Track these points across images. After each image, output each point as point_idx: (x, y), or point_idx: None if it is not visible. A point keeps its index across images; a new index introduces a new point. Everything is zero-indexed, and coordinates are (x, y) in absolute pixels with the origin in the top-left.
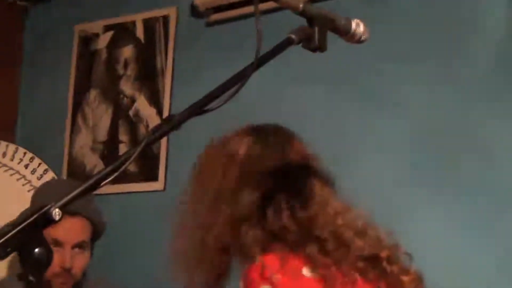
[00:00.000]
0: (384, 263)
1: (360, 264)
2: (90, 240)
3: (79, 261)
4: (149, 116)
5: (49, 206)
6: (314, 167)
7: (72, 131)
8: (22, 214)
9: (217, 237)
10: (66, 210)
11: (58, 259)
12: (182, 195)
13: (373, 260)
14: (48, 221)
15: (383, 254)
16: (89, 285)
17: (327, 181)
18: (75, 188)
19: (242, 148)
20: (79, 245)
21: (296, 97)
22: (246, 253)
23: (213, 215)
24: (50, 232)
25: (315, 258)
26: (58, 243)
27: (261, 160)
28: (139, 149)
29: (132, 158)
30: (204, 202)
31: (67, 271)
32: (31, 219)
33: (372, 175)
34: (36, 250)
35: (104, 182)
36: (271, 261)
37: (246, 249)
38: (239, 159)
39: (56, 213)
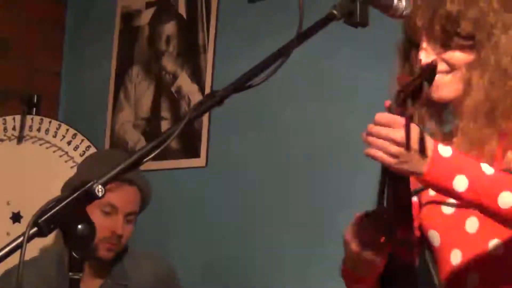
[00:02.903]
0: None
1: None
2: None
3: (127, 230)
4: (191, 92)
5: (92, 182)
6: None
7: (114, 108)
8: (66, 185)
9: None
10: (126, 178)
11: (110, 224)
12: None
13: None
14: (91, 197)
15: None
16: (131, 256)
17: None
18: (120, 162)
19: None
20: (131, 215)
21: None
22: None
23: None
24: (109, 196)
25: None
26: (113, 208)
27: None
28: (181, 125)
29: (174, 135)
30: None
31: (117, 237)
32: (74, 195)
33: None
34: (79, 226)
35: (146, 159)
36: None
37: None
38: None
39: (99, 189)
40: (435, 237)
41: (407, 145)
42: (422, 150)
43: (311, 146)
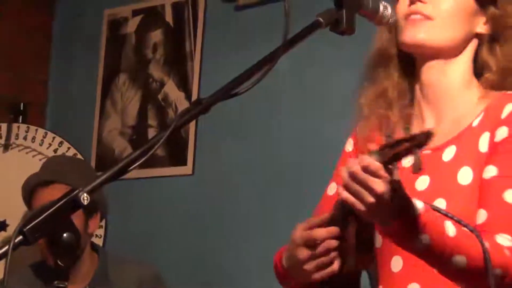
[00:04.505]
0: None
1: None
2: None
3: None
4: (178, 100)
5: (77, 191)
6: None
7: (101, 116)
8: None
9: None
10: (40, 182)
11: None
12: None
13: None
14: (77, 206)
15: None
16: (115, 262)
17: None
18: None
19: None
20: None
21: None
22: None
23: None
24: (33, 205)
25: None
26: None
27: None
28: (167, 133)
29: (160, 142)
30: None
31: None
32: (60, 204)
33: None
34: (65, 235)
35: (132, 167)
36: None
37: None
38: None
39: (84, 197)
40: (377, 237)
41: (382, 202)
42: (395, 210)
43: (299, 153)
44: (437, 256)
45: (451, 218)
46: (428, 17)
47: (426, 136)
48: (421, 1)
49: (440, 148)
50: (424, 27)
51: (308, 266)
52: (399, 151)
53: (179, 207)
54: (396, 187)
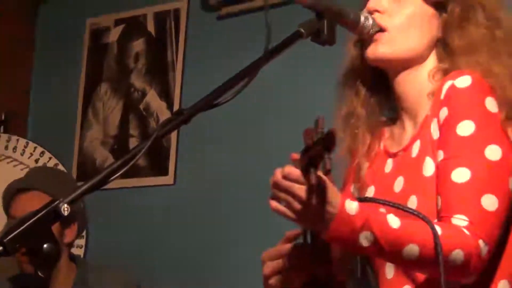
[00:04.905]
0: None
1: None
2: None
3: None
4: (160, 110)
5: (57, 202)
6: None
7: (82, 125)
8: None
9: None
10: (18, 187)
11: None
12: None
13: None
14: (57, 216)
15: None
16: (95, 269)
17: None
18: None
19: None
20: None
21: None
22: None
23: None
24: (10, 212)
25: None
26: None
27: None
28: (148, 143)
29: (142, 153)
30: None
31: None
32: (40, 214)
33: None
34: (45, 245)
35: (113, 177)
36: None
37: None
38: None
39: (65, 208)
40: None
41: (309, 206)
42: (323, 213)
43: (280, 163)
44: (387, 250)
45: (399, 208)
46: (383, 28)
47: (329, 137)
48: (378, 12)
49: (409, 146)
50: (382, 41)
51: (272, 281)
52: (312, 156)
53: (161, 217)
54: (318, 191)
